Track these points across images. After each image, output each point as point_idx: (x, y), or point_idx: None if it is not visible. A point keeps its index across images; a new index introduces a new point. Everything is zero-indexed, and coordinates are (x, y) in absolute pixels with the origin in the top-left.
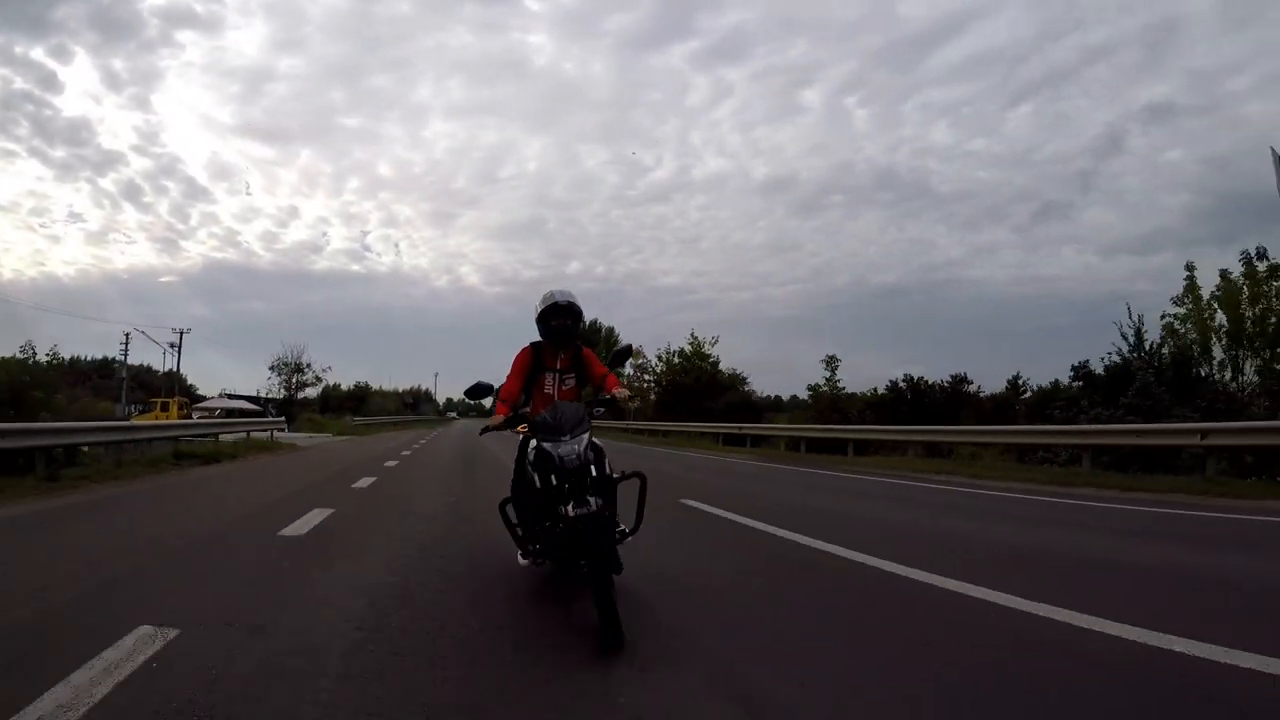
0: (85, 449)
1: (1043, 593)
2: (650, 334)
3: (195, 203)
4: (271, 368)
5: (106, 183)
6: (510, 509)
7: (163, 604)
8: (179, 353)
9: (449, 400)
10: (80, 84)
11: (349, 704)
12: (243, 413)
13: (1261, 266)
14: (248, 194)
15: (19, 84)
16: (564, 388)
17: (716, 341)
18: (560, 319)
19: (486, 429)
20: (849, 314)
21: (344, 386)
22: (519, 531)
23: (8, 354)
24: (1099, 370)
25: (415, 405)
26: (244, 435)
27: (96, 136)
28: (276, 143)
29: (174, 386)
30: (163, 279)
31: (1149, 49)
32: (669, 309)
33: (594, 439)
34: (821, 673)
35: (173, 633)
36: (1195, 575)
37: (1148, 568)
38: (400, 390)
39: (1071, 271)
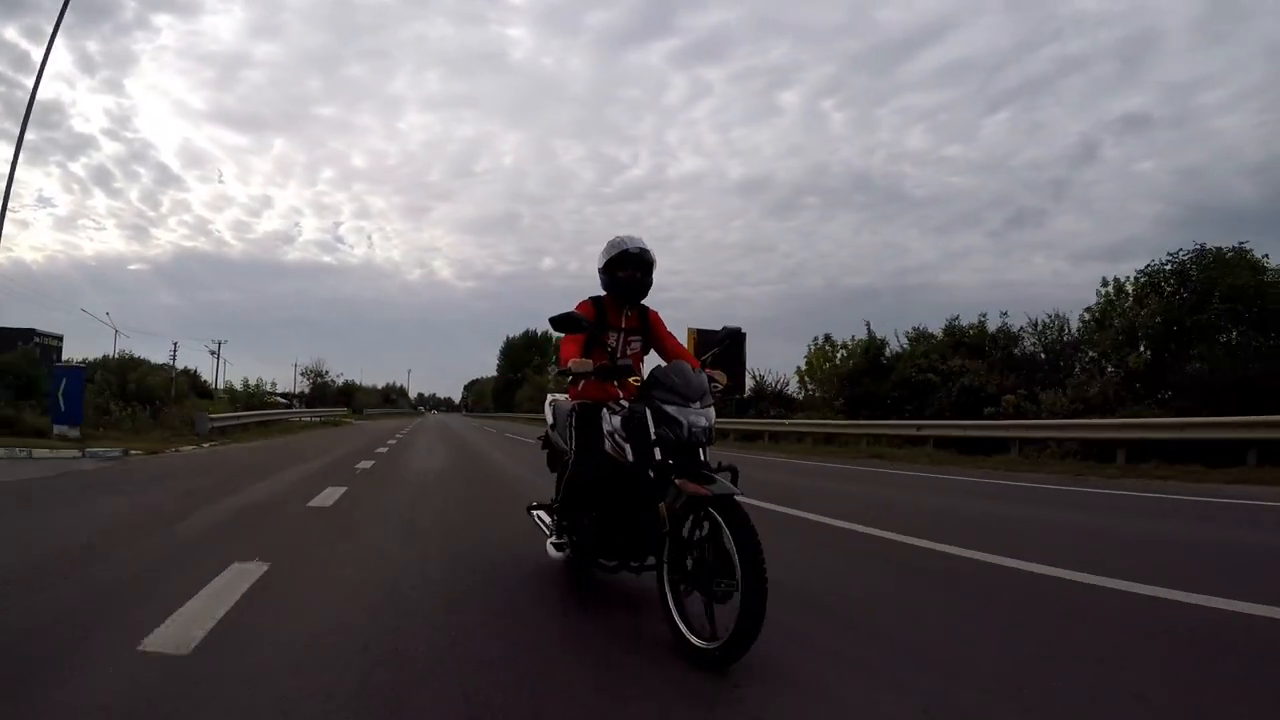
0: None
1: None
2: None
3: (167, 190)
4: (303, 374)
5: (77, 167)
6: (563, 481)
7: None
8: (218, 358)
9: (420, 395)
10: (52, 66)
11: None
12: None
13: None
14: (220, 182)
15: None
16: (630, 350)
17: None
18: (629, 270)
19: (562, 370)
20: (821, 316)
21: (335, 384)
22: (562, 515)
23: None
24: None
25: (394, 400)
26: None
27: (68, 119)
28: (250, 131)
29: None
30: (132, 267)
31: (1124, 61)
32: None
33: None
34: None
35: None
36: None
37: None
38: (380, 387)
39: (1041, 277)
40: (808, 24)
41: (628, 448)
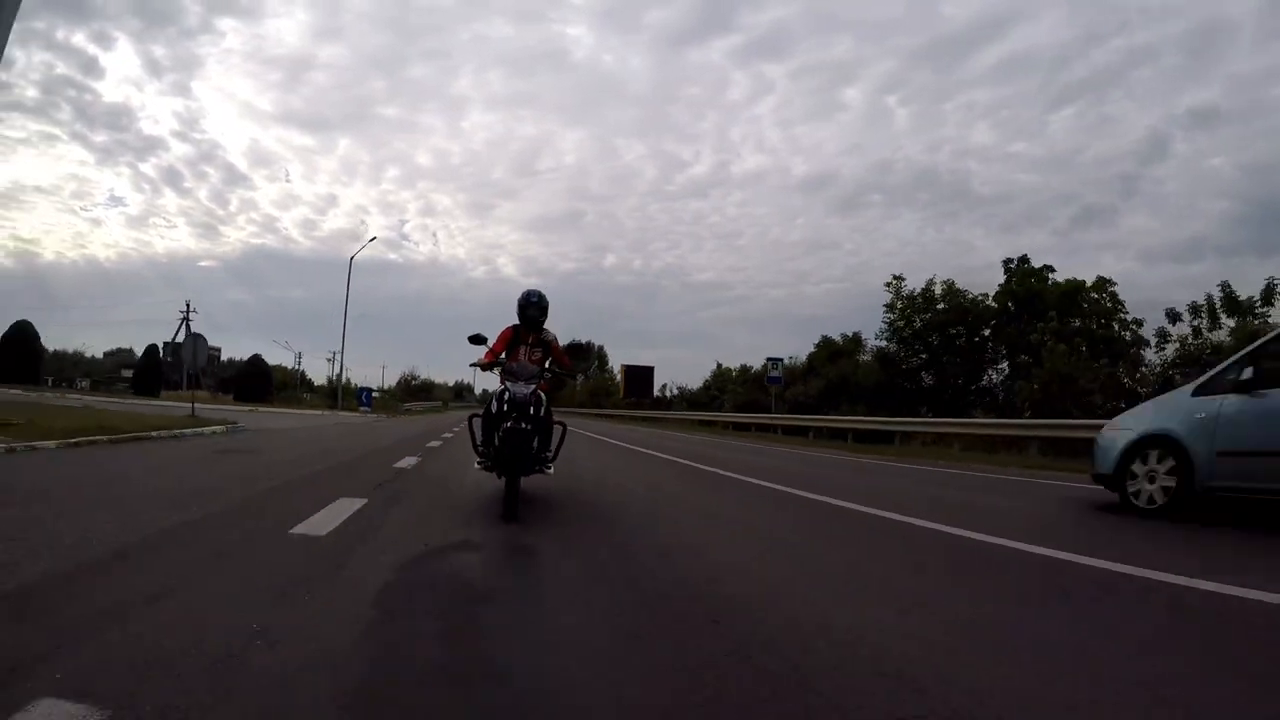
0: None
1: None
2: (685, 329)
3: (235, 189)
4: (399, 382)
5: (147, 167)
6: (476, 425)
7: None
8: (299, 357)
9: (484, 391)
10: (121, 70)
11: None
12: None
13: None
14: (287, 181)
15: (61, 69)
16: (533, 356)
17: None
18: (531, 309)
19: (475, 364)
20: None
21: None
22: (477, 442)
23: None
24: None
25: (462, 395)
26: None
27: (137, 122)
28: (316, 131)
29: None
30: (202, 263)
31: (1192, 54)
32: (704, 304)
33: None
34: None
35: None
36: None
37: None
38: (450, 384)
39: (1111, 277)
40: (867, 19)
41: (494, 404)
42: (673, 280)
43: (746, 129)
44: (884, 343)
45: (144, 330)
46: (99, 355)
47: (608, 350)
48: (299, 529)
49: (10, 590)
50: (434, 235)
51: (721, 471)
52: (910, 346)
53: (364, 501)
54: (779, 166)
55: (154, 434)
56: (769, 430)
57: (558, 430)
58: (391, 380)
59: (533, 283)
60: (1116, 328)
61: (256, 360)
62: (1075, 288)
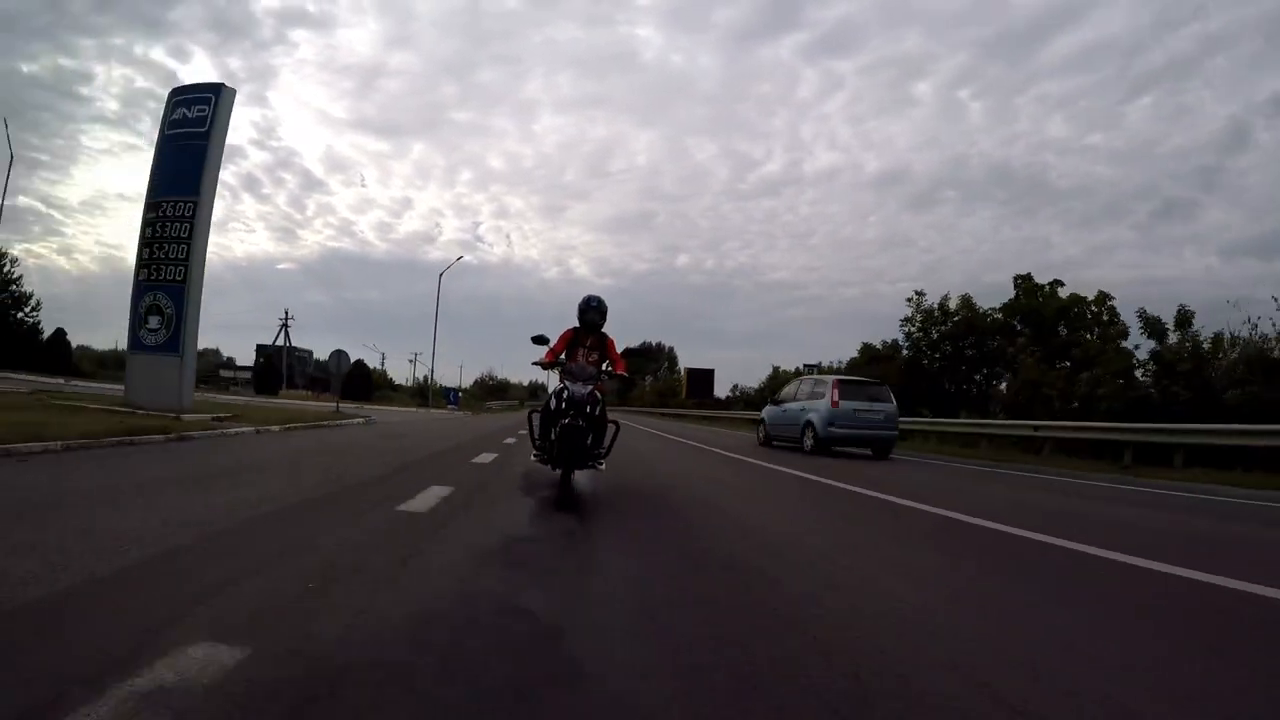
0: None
1: None
2: (758, 329)
3: (311, 194)
4: (476, 382)
5: (226, 175)
6: (535, 420)
7: None
8: (383, 358)
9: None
10: (199, 81)
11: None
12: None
13: None
14: (362, 186)
15: (140, 83)
16: (590, 357)
17: None
18: (591, 313)
19: (537, 363)
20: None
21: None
22: (535, 436)
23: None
24: None
25: (537, 395)
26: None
27: None
28: (390, 136)
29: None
30: (280, 266)
31: (1271, 40)
32: (778, 304)
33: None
34: None
35: None
36: None
37: None
38: (524, 384)
39: (1192, 273)
40: (936, 11)
41: (553, 401)
42: (746, 280)
43: (817, 126)
44: (907, 352)
45: (226, 333)
46: None
47: (678, 351)
48: (433, 490)
49: (269, 512)
50: (507, 237)
51: (753, 460)
52: (928, 355)
53: (495, 455)
54: (851, 163)
55: (324, 423)
56: None
57: (611, 429)
58: (468, 380)
59: (606, 283)
60: (1090, 337)
61: (359, 364)
62: (1074, 302)
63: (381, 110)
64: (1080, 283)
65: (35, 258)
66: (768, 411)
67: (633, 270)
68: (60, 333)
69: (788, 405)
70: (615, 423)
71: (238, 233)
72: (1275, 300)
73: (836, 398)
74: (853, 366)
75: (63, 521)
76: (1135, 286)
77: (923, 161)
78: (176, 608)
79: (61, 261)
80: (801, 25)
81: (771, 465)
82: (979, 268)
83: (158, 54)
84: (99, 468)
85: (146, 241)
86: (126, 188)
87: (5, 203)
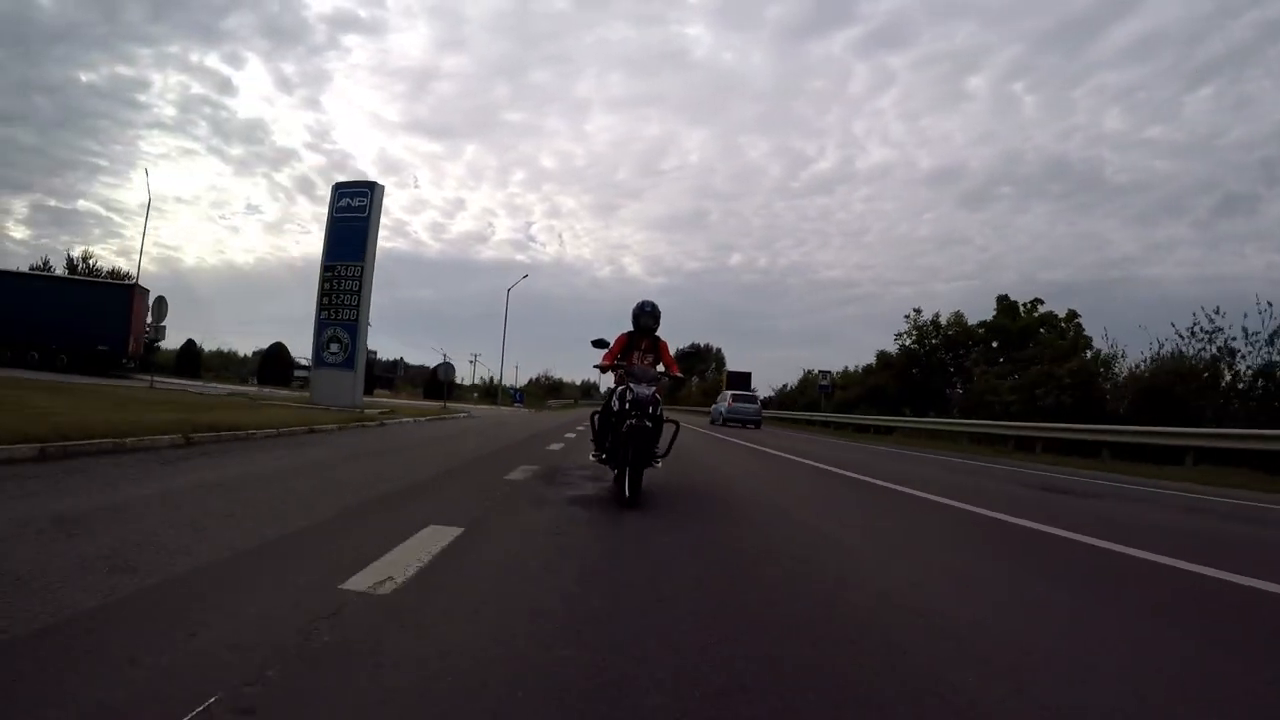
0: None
1: None
2: (811, 327)
3: None
4: (530, 380)
5: (282, 177)
6: (596, 419)
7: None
8: (474, 363)
9: (609, 389)
10: (254, 87)
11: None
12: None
13: None
14: (416, 187)
15: (196, 89)
16: (646, 360)
17: None
18: (645, 318)
19: (598, 365)
20: None
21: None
22: (595, 436)
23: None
24: None
25: (589, 393)
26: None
27: (270, 135)
28: (443, 138)
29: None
30: None
31: None
32: (832, 302)
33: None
34: None
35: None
36: None
37: None
38: (577, 383)
39: (1253, 271)
40: (989, 3)
41: (615, 402)
42: (799, 278)
43: (870, 122)
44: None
45: (281, 329)
46: (248, 354)
47: (727, 351)
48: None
49: (424, 480)
50: (559, 236)
51: (771, 451)
52: (918, 365)
53: (561, 445)
54: (905, 160)
55: (444, 416)
56: (823, 425)
57: (669, 429)
58: (523, 379)
59: (659, 282)
60: (1046, 352)
61: (437, 369)
62: (1043, 321)
63: (434, 112)
64: (1138, 279)
65: (96, 259)
66: (713, 407)
67: (686, 269)
68: (190, 343)
69: (716, 405)
70: (675, 423)
71: (293, 234)
72: None
73: (730, 401)
74: (868, 371)
75: (330, 473)
76: (1195, 285)
77: (977, 157)
78: (417, 513)
79: (121, 263)
80: (853, 20)
81: (718, 435)
82: (1034, 265)
83: (212, 61)
84: (321, 443)
85: (325, 291)
86: (184, 191)
87: (68, 207)
